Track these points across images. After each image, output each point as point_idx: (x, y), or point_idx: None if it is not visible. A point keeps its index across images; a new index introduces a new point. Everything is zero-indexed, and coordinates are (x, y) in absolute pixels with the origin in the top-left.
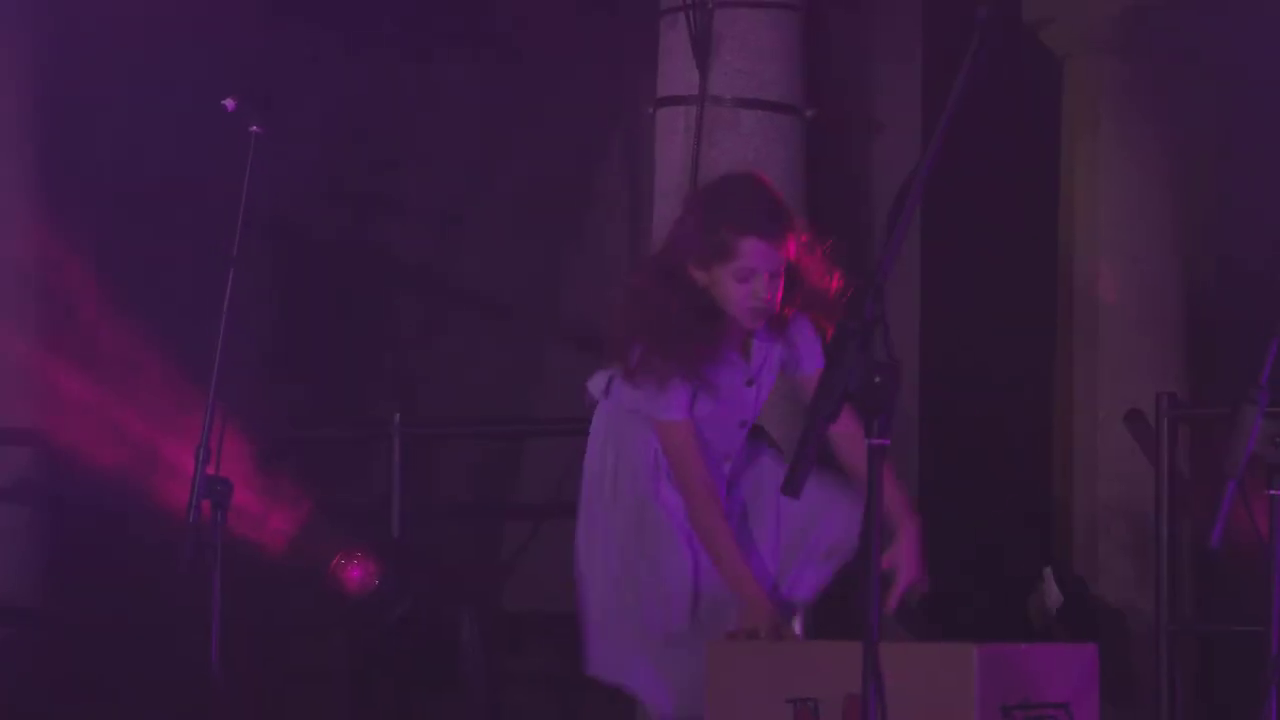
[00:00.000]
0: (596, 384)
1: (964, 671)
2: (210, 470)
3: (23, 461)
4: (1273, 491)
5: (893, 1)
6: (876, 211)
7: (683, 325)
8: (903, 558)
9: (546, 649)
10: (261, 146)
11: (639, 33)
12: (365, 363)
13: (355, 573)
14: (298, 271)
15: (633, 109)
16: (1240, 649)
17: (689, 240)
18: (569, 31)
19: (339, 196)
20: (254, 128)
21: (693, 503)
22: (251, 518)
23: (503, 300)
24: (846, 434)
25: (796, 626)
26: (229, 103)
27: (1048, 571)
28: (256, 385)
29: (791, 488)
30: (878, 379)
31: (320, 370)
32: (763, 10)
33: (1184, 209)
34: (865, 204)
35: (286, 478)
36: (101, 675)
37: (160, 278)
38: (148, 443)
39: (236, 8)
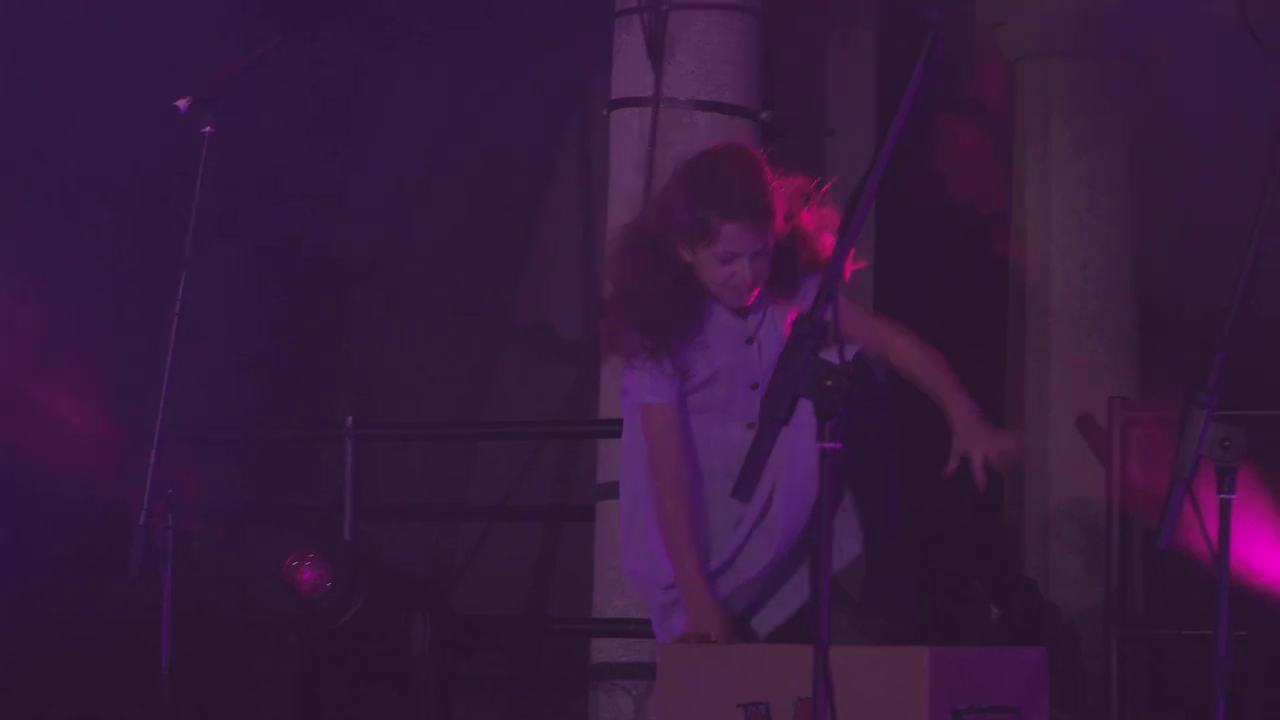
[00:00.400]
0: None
1: (915, 675)
2: (161, 474)
3: None
4: (1221, 495)
5: (848, 4)
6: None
7: (660, 298)
8: (967, 434)
9: (498, 652)
10: (214, 147)
11: (593, 34)
12: (318, 364)
13: (307, 574)
14: (250, 272)
15: (587, 110)
16: (1190, 652)
17: (673, 216)
18: (522, 31)
19: (290, 196)
20: (207, 128)
21: (659, 493)
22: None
23: (455, 302)
24: (887, 349)
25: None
26: (182, 103)
27: (976, 585)
28: (209, 386)
29: (741, 491)
30: (829, 382)
31: (273, 372)
32: (718, 12)
33: (1136, 213)
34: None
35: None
36: (52, 678)
37: (112, 277)
38: (99, 444)
39: (189, 7)
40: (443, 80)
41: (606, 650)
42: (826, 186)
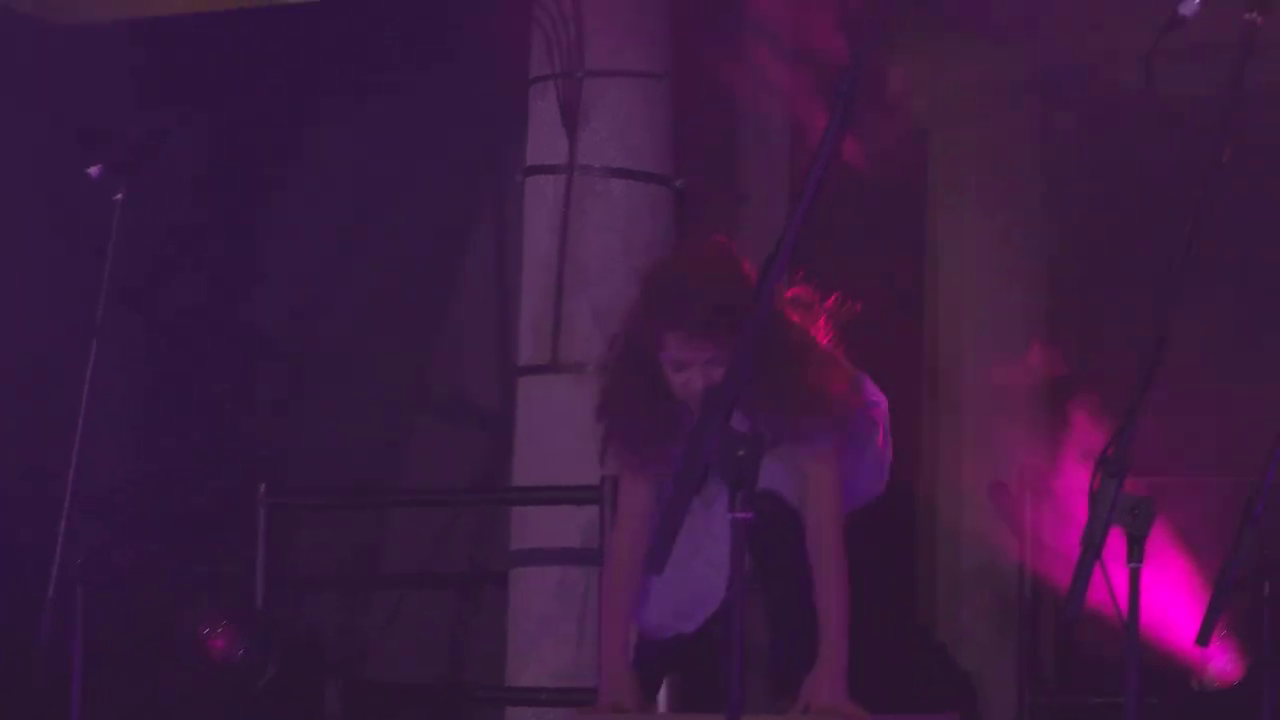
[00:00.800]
0: None
1: None
2: (71, 544)
3: None
4: (1131, 564)
5: (760, 72)
6: None
7: (633, 408)
8: (813, 691)
9: None
10: (126, 214)
11: (508, 100)
12: (233, 432)
13: (220, 642)
14: (163, 340)
15: (502, 176)
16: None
17: (636, 321)
18: (437, 97)
19: (203, 264)
20: (118, 195)
21: (609, 561)
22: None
23: (370, 368)
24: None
25: (662, 699)
26: (93, 170)
27: None
28: (120, 454)
29: (654, 564)
30: (741, 452)
31: (187, 439)
32: (632, 80)
33: (1048, 281)
34: None
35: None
36: None
37: (21, 344)
38: (7, 514)
39: (102, 75)
40: (356, 147)
41: (521, 719)
42: (833, 300)
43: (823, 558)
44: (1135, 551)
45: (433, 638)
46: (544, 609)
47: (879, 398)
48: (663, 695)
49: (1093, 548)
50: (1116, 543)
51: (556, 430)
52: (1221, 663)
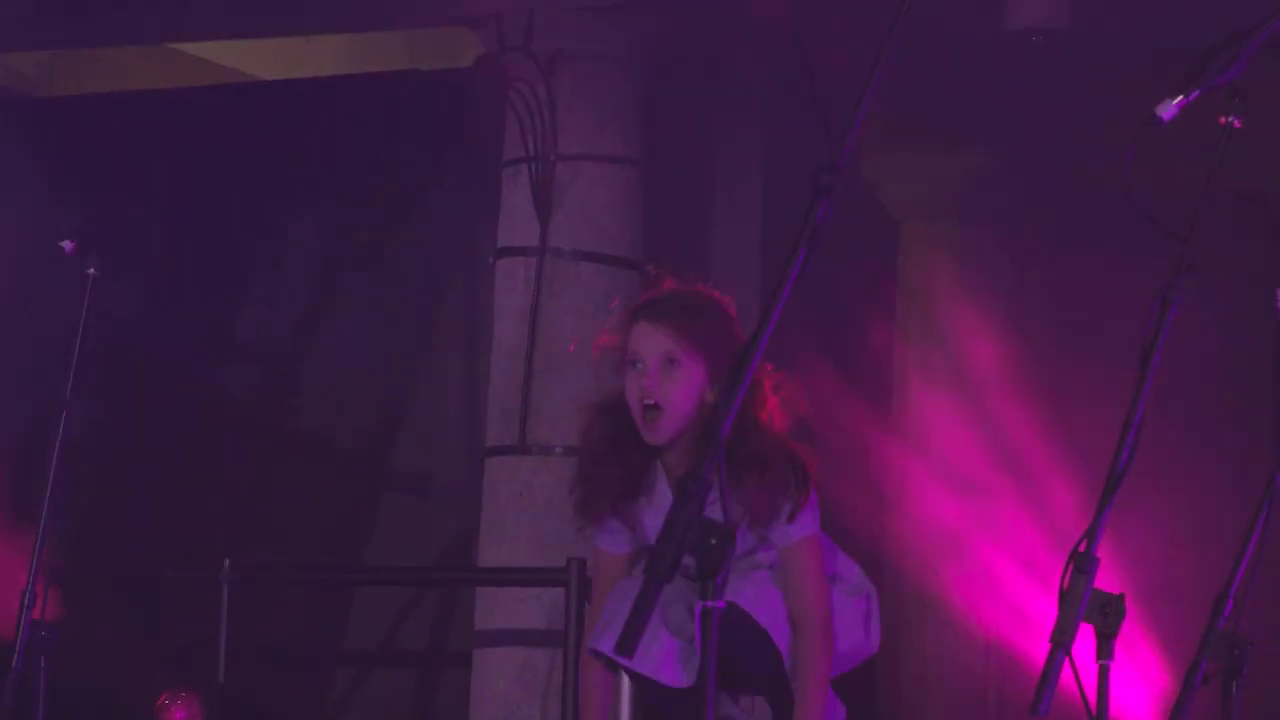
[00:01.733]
0: None
1: None
2: (36, 615)
3: None
4: (1100, 661)
5: (732, 159)
6: None
7: (600, 452)
8: None
9: None
10: (98, 289)
11: (481, 182)
12: (198, 506)
13: (179, 714)
14: (131, 414)
15: (473, 257)
16: None
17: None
18: (410, 178)
19: (172, 337)
20: (91, 270)
21: (584, 640)
22: None
23: (337, 445)
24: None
25: None
26: (67, 244)
27: None
28: (86, 525)
29: (624, 649)
30: (713, 541)
31: (151, 514)
32: (604, 164)
33: (1020, 370)
34: None
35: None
36: None
37: None
38: None
39: (74, 144)
40: (330, 224)
41: None
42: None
43: (799, 631)
44: (1105, 649)
45: (394, 717)
46: (507, 691)
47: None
48: None
49: (1063, 645)
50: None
51: (523, 511)
52: None
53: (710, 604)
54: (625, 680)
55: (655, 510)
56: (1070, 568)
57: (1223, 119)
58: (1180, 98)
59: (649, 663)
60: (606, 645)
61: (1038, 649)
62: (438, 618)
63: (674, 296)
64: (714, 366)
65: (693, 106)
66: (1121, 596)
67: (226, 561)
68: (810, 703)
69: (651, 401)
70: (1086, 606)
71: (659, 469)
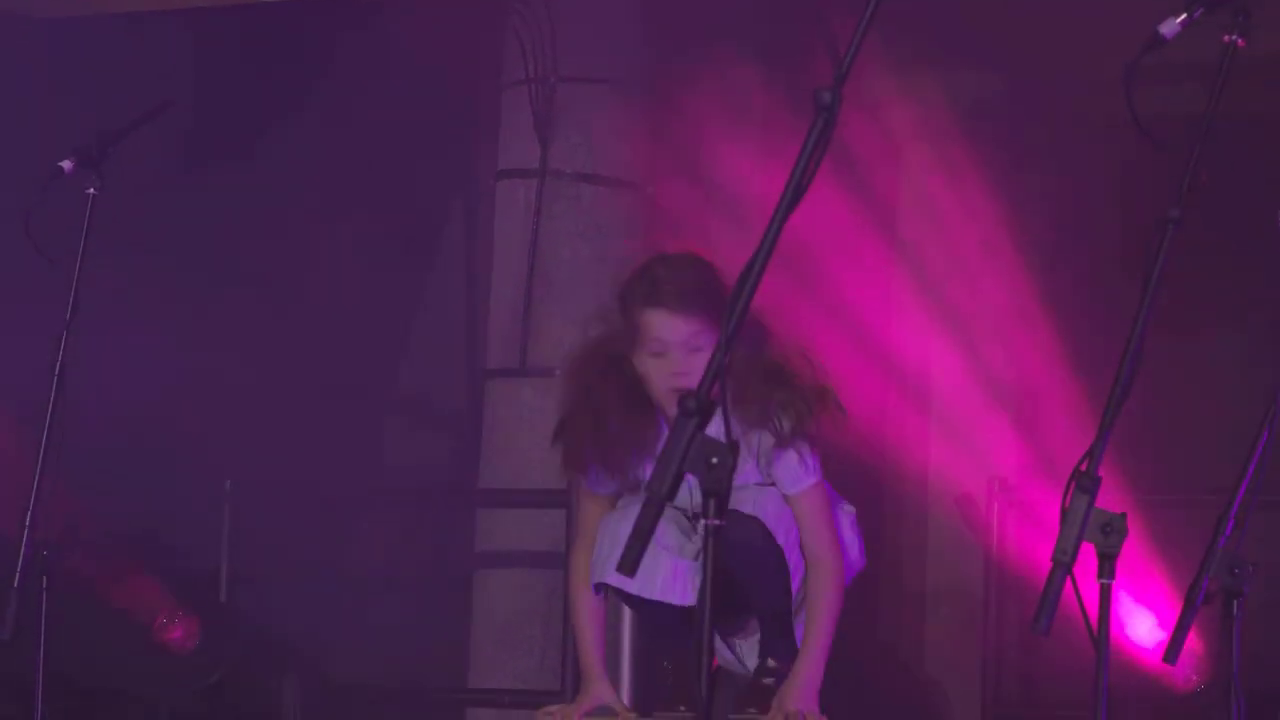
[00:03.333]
0: None
1: None
2: (37, 534)
3: None
4: (1102, 580)
5: (733, 79)
6: None
7: (613, 420)
8: (785, 697)
9: None
10: (98, 208)
11: (481, 105)
12: (199, 427)
13: (176, 633)
14: (131, 335)
15: (473, 181)
16: None
17: (614, 322)
18: (410, 102)
19: (172, 262)
20: (90, 189)
21: (577, 576)
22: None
23: (339, 369)
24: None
25: (625, 698)
26: (66, 164)
27: None
28: (88, 449)
29: (626, 566)
30: (714, 460)
31: (153, 434)
32: (604, 86)
33: (1022, 296)
34: None
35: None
36: None
37: None
38: None
39: (74, 68)
40: (330, 150)
41: None
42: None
43: (816, 571)
44: (1106, 568)
45: (395, 638)
46: (507, 611)
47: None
48: (625, 694)
49: (1064, 564)
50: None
51: (524, 434)
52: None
53: (712, 521)
54: (626, 613)
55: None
56: (1072, 486)
57: (1226, 37)
58: (1184, 15)
59: (653, 588)
60: (612, 578)
61: (1040, 567)
62: (439, 539)
63: (683, 280)
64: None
65: (695, 28)
66: (1123, 516)
67: (228, 481)
68: (820, 639)
69: (684, 387)
70: (1088, 526)
71: (660, 421)
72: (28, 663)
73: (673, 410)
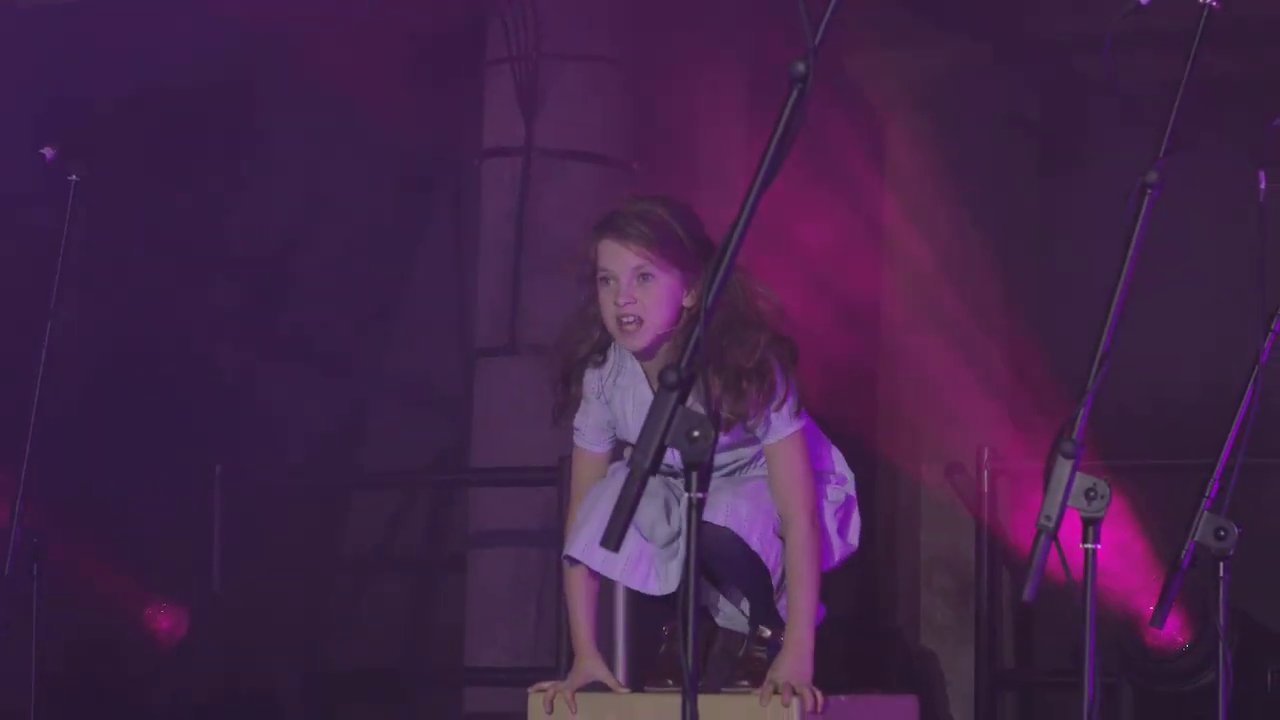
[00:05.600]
0: None
1: None
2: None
3: None
4: (1086, 546)
5: (716, 54)
6: None
7: (576, 335)
8: (777, 670)
9: (370, 704)
10: (80, 195)
11: (465, 83)
12: (188, 413)
13: (165, 624)
14: (119, 321)
15: (458, 159)
16: (1059, 699)
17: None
18: (395, 80)
19: (159, 245)
20: (73, 176)
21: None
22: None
23: (328, 352)
24: (783, 521)
25: (621, 675)
26: (48, 151)
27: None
28: (77, 436)
29: (610, 541)
30: (695, 433)
31: (142, 422)
32: (589, 63)
33: (1005, 265)
34: None
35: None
36: None
37: None
38: None
39: (56, 56)
40: (316, 129)
41: (479, 699)
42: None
43: (788, 529)
44: (1090, 533)
45: (390, 619)
46: (501, 589)
47: (846, 472)
48: (621, 670)
49: (1048, 530)
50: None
51: (515, 412)
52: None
53: (695, 495)
54: (620, 589)
55: (639, 414)
56: (1054, 451)
57: (1202, 0)
58: None
59: (614, 569)
60: (578, 550)
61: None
62: (432, 520)
63: (637, 210)
64: (689, 271)
65: (677, 5)
66: (1106, 481)
67: (218, 467)
68: (803, 605)
69: (629, 317)
70: (1071, 491)
71: (641, 374)
72: (22, 654)
73: (627, 341)
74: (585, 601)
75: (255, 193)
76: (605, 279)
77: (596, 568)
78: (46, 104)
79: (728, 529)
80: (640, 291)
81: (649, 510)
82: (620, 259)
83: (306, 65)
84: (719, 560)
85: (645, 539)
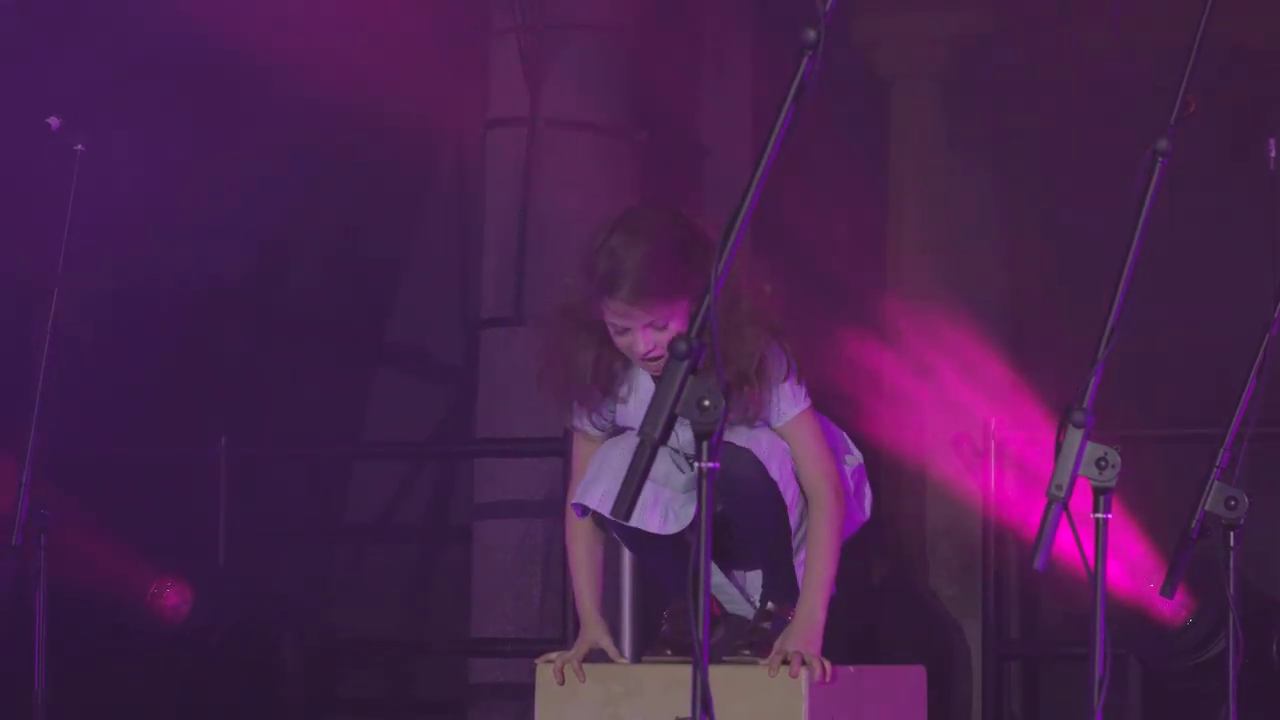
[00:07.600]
0: None
1: (794, 693)
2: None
3: None
4: (1097, 515)
5: (722, 23)
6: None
7: (585, 371)
8: (787, 639)
9: (375, 674)
10: (86, 165)
11: (469, 52)
12: (192, 386)
13: (170, 600)
14: (122, 294)
15: (463, 129)
16: (1064, 671)
17: (579, 282)
18: (399, 50)
19: (161, 218)
20: (78, 146)
21: (568, 521)
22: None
23: (330, 323)
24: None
25: (626, 648)
26: (53, 121)
27: None
28: (81, 409)
29: (620, 510)
30: (706, 402)
31: (146, 394)
32: (593, 32)
33: (1011, 233)
34: None
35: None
36: None
37: None
38: None
39: (55, 28)
40: (319, 99)
41: (484, 671)
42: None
43: (813, 503)
44: (1101, 503)
45: (395, 590)
46: (506, 561)
47: (856, 452)
48: (626, 643)
49: (1058, 499)
50: (1082, 494)
51: (519, 383)
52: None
53: (706, 465)
54: (626, 564)
55: (641, 404)
56: (1065, 421)
57: None
58: None
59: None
60: (593, 500)
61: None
62: (437, 491)
63: (645, 264)
64: (695, 288)
65: None
66: (1117, 449)
67: (223, 439)
68: (821, 577)
69: (652, 357)
70: (1082, 460)
71: (635, 370)
72: (29, 628)
73: (649, 371)
74: (591, 570)
75: (257, 161)
76: (622, 330)
77: (608, 514)
78: (45, 75)
79: (748, 450)
80: (659, 335)
81: (661, 465)
82: (631, 317)
83: (304, 33)
84: (737, 485)
85: (660, 486)
